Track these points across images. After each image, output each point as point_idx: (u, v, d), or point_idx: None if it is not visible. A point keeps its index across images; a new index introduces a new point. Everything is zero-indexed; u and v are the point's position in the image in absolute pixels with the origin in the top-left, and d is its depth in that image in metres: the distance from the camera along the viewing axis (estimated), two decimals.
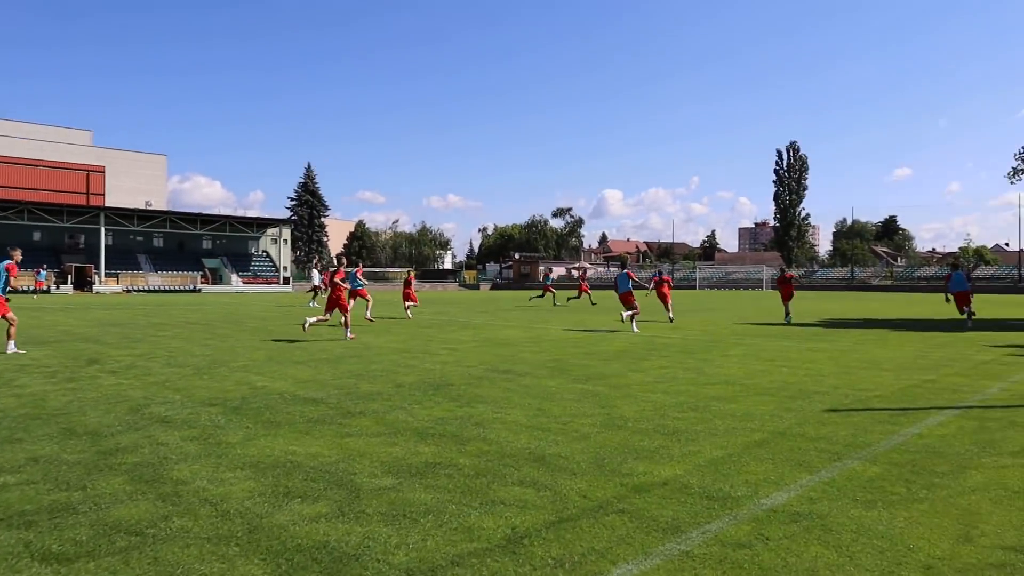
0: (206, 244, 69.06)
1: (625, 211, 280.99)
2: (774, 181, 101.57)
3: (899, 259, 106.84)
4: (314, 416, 6.52)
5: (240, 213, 77.51)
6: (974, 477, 4.60)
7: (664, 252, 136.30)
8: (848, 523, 3.76)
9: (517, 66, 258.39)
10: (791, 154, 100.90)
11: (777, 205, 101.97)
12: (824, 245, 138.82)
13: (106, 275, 56.99)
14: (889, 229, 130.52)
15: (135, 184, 76.61)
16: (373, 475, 4.63)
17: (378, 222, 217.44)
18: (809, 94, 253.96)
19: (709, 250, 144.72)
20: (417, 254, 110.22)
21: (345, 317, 14.31)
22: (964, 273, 20.47)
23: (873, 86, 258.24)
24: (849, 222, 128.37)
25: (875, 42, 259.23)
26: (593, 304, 30.35)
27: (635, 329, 16.46)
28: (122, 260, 60.99)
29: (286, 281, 68.02)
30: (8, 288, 11.62)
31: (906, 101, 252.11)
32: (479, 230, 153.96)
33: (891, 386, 8.36)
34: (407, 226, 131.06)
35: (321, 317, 14.43)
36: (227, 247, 69.90)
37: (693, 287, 75.37)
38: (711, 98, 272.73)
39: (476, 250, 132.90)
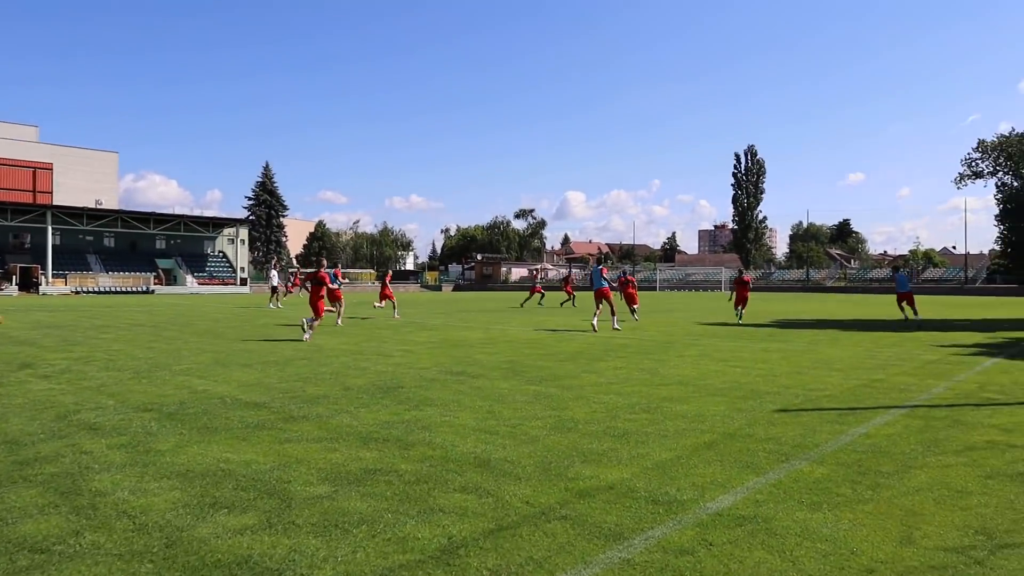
0: (160, 244, 67.25)
1: (588, 213, 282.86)
2: (732, 184, 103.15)
3: (852, 261, 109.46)
4: (253, 421, 6.25)
5: (197, 213, 75.55)
6: (918, 477, 4.59)
7: (626, 254, 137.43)
8: (793, 526, 3.69)
9: (482, 69, 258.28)
10: (749, 158, 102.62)
11: (735, 208, 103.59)
12: (781, 247, 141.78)
13: (53, 276, 55.03)
14: (843, 232, 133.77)
15: (85, 182, 74.28)
16: (308, 483, 4.42)
17: (339, 222, 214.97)
18: (767, 100, 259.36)
19: (670, 252, 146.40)
20: (378, 255, 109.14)
21: (315, 320, 14.20)
22: (906, 275, 21.44)
23: (829, 93, 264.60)
24: (805, 225, 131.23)
25: (829, 50, 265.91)
26: (572, 306, 30.31)
27: (602, 327, 16.83)
28: (71, 260, 59.01)
29: (243, 282, 66.61)
30: None
31: (860, 108, 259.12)
32: (442, 231, 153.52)
33: (841, 386, 8.42)
34: (369, 227, 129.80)
35: (313, 318, 14.30)
36: (182, 247, 68.19)
37: (654, 288, 76.06)
38: (672, 102, 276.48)
39: (439, 251, 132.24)
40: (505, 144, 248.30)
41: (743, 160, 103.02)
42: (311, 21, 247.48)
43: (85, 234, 61.86)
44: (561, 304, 31.81)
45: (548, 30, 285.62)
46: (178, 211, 73.51)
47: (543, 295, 32.80)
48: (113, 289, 56.13)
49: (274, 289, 30.92)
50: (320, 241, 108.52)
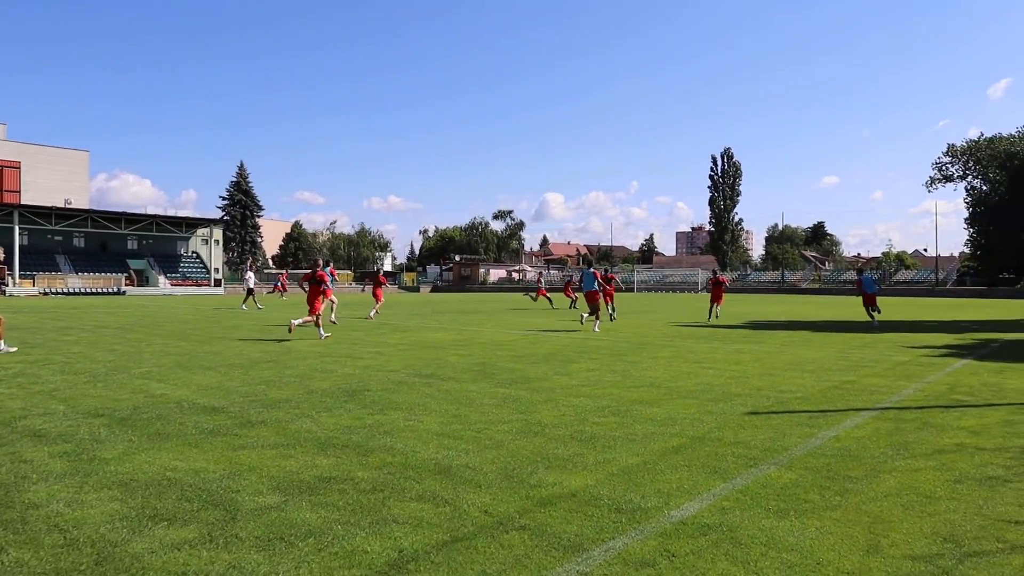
0: (131, 244, 65.97)
1: (566, 214, 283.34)
2: (709, 187, 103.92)
3: (827, 263, 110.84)
4: (209, 427, 6.02)
5: (171, 213, 74.35)
6: (887, 481, 4.50)
7: (604, 255, 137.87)
8: (759, 535, 3.57)
9: (461, 71, 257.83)
10: (725, 160, 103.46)
11: (712, 210, 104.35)
12: (757, 249, 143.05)
13: (21, 277, 53.73)
14: (818, 234, 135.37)
15: (54, 181, 72.63)
16: (258, 493, 4.21)
17: (317, 223, 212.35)
18: (743, 103, 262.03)
19: (647, 253, 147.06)
20: (356, 256, 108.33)
21: (312, 318, 14.40)
22: (871, 277, 22.13)
23: (803, 97, 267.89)
24: (780, 227, 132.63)
25: (804, 55, 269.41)
26: (573, 308, 29.85)
27: (596, 328, 17.06)
28: (39, 261, 57.66)
29: (218, 283, 65.64)
30: None
31: (834, 112, 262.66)
32: (420, 232, 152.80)
33: (812, 387, 8.37)
34: (346, 227, 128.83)
35: (315, 320, 14.48)
36: (154, 248, 66.98)
37: (631, 290, 76.26)
38: (650, 105, 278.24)
39: (417, 252, 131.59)
40: (484, 145, 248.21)
41: (719, 163, 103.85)
42: (290, 20, 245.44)
43: (54, 234, 60.49)
44: (569, 307, 30.49)
45: (531, 34, 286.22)
46: (151, 211, 72.32)
47: (549, 299, 31.96)
48: (83, 290, 54.96)
49: (250, 291, 30.34)
50: (296, 242, 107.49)
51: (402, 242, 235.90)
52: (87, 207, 68.33)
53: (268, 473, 4.63)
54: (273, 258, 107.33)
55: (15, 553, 3.29)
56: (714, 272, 25.11)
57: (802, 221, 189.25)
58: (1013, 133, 67.73)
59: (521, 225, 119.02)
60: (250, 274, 31.11)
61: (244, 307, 29.32)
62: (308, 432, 5.84)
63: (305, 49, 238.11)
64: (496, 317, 23.74)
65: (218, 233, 71.55)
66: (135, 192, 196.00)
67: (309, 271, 14.96)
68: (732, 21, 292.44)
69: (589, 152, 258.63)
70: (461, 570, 3.13)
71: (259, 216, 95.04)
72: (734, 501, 4.10)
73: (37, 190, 69.74)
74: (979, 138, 69.64)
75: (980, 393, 8.04)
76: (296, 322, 14.12)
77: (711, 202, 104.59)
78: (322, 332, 14.53)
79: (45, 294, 51.95)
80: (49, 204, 60.87)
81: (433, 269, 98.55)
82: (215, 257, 69.12)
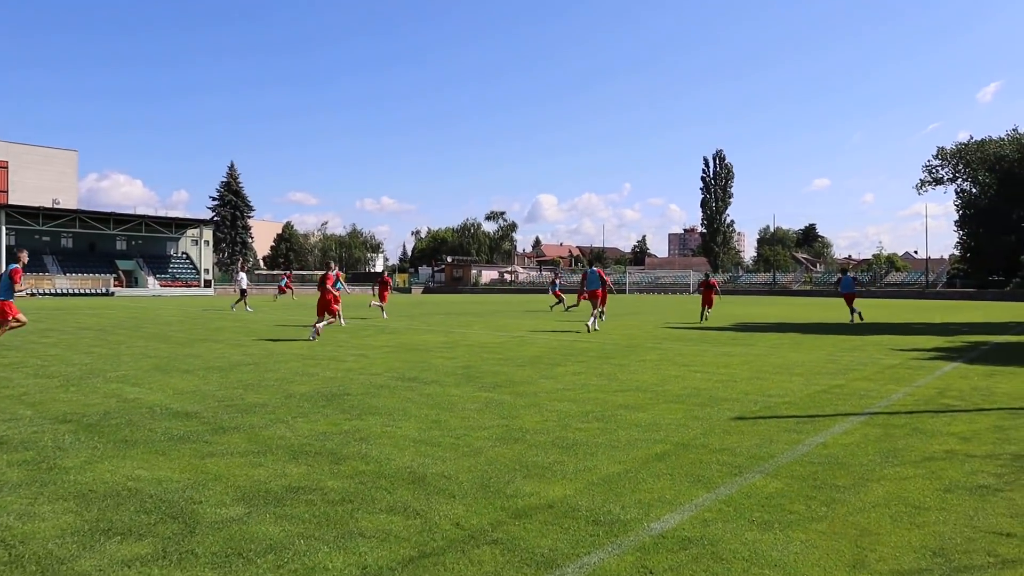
0: (120, 245, 65.46)
1: (559, 216, 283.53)
2: (701, 189, 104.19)
3: (818, 265, 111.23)
4: (179, 433, 5.83)
5: (162, 213, 73.77)
6: (875, 491, 4.36)
7: (596, 257, 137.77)
8: (741, 549, 3.42)
9: (453, 71, 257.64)
10: (717, 162, 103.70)
11: (704, 212, 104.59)
12: (749, 251, 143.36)
13: None
14: (809, 236, 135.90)
15: (42, 181, 72.13)
16: (221, 504, 4.03)
17: (309, 224, 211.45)
18: (736, 105, 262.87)
19: (640, 255, 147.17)
20: (347, 257, 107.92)
21: (332, 320, 15.48)
22: (851, 278, 23.50)
23: (794, 100, 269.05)
24: (772, 229, 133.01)
25: (792, 57, 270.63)
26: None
27: (596, 327, 17.30)
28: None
29: (207, 284, 65.21)
30: (14, 292, 11.89)
31: (824, 115, 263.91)
32: (412, 233, 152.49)
33: (800, 392, 8.24)
34: (338, 228, 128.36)
35: (330, 320, 15.43)
36: (143, 248, 66.46)
37: (623, 291, 76.20)
38: (643, 106, 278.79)
39: (409, 253, 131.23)
40: (478, 146, 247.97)
41: (711, 165, 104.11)
42: (283, 22, 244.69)
43: (41, 234, 59.91)
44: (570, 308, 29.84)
45: (518, 31, 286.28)
46: (141, 211, 71.72)
47: (561, 301, 30.72)
48: (70, 291, 54.47)
49: (243, 292, 30.00)
50: (288, 243, 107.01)
51: (395, 243, 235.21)
52: (76, 207, 67.77)
53: (234, 483, 4.45)
54: (264, 259, 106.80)
55: None
56: (706, 275, 25.27)
57: (793, 223, 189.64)
58: (1002, 136, 68.20)
59: (513, 227, 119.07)
60: (242, 275, 30.71)
61: (246, 308, 28.79)
62: (281, 438, 5.66)
63: (304, 50, 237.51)
64: (485, 319, 23.57)
65: (208, 234, 71.10)
66: (126, 192, 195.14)
67: (324, 274, 15.86)
68: (725, 24, 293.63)
69: (582, 153, 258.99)
70: None
71: (250, 217, 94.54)
72: (717, 512, 3.95)
73: (25, 190, 69.18)
74: (969, 141, 70.06)
75: (970, 397, 7.92)
76: (320, 325, 14.78)
77: (703, 204, 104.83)
78: (317, 330, 14.76)
79: (32, 295, 51.41)
80: (37, 204, 60.32)
81: (425, 270, 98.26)
82: (205, 258, 68.65)
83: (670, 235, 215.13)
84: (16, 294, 11.99)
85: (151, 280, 61.78)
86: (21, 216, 56.48)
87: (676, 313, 28.82)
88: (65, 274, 57.55)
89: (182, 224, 68.93)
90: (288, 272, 55.27)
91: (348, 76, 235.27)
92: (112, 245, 64.71)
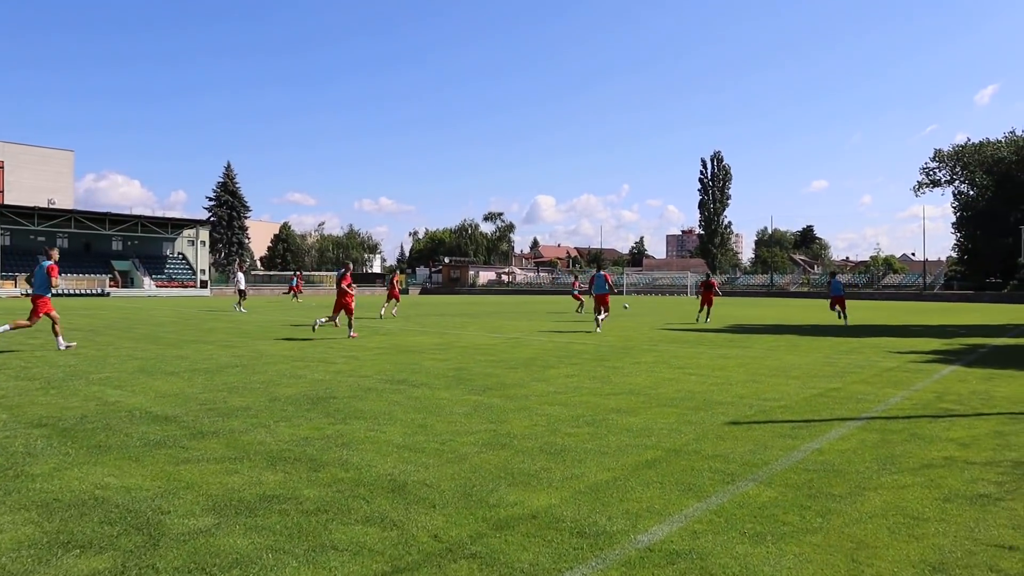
0: (116, 245, 65.15)
1: (557, 217, 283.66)
2: (699, 190, 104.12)
3: (815, 267, 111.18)
4: (155, 438, 5.65)
5: (160, 214, 73.51)
6: (872, 501, 4.20)
7: (594, 258, 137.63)
8: (731, 564, 3.25)
9: (453, 71, 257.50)
10: (715, 164, 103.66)
11: (702, 213, 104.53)
12: (747, 252, 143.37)
13: (2, 278, 52.96)
14: (807, 238, 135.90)
15: (38, 181, 71.87)
16: (190, 514, 3.86)
17: (307, 224, 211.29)
18: (734, 107, 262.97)
19: (637, 256, 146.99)
20: (345, 258, 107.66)
21: (349, 319, 15.57)
22: (840, 281, 24.24)
23: (793, 102, 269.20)
24: (770, 231, 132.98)
25: (791, 59, 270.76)
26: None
27: (598, 329, 17.72)
28: (21, 262, 56.77)
29: (204, 284, 64.94)
30: (51, 288, 12.36)
31: (823, 117, 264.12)
32: (410, 234, 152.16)
33: (796, 395, 8.08)
34: (336, 229, 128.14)
35: (329, 317, 16.06)
36: (139, 248, 66.19)
37: (621, 292, 76.01)
38: (642, 107, 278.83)
39: (407, 254, 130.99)
40: (477, 147, 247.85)
41: (709, 166, 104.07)
42: (282, 22, 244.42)
43: (36, 234, 59.60)
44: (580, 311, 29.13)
45: (517, 32, 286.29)
46: (137, 211, 71.42)
47: (582, 303, 30.11)
48: (66, 292, 54.15)
49: (242, 292, 29.82)
50: (285, 243, 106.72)
51: (393, 244, 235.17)
52: (72, 207, 67.48)
53: (207, 491, 4.27)
54: (262, 259, 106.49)
55: None
56: (706, 275, 25.32)
57: (791, 225, 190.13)
58: (1000, 138, 68.18)
59: (511, 227, 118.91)
60: (240, 276, 30.67)
61: (240, 309, 28.51)
62: (260, 444, 5.49)
63: (303, 50, 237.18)
64: (481, 320, 23.40)
65: (204, 234, 70.82)
66: (124, 193, 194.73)
67: (341, 274, 16.19)
68: (725, 25, 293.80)
69: (581, 155, 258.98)
70: None
71: (247, 217, 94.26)
72: (707, 523, 3.78)
73: (21, 190, 68.91)
74: (966, 143, 70.05)
75: (969, 402, 7.77)
76: (352, 332, 15.28)
77: (701, 205, 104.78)
78: (317, 323, 15.81)
79: (26, 295, 51.15)
80: (32, 204, 60.05)
81: (422, 271, 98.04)
82: (201, 258, 68.39)
83: (668, 236, 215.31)
84: (52, 290, 12.45)
85: (147, 280, 61.52)
86: (17, 216, 56.19)
87: (674, 314, 28.65)
88: (60, 274, 57.21)
89: (178, 224, 68.65)
90: (299, 272, 54.97)
91: (347, 76, 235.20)
92: (108, 245, 64.43)
